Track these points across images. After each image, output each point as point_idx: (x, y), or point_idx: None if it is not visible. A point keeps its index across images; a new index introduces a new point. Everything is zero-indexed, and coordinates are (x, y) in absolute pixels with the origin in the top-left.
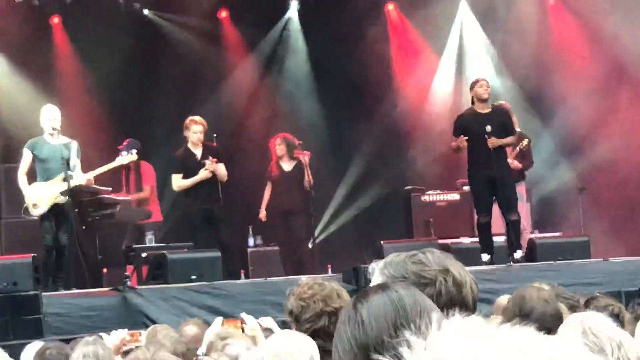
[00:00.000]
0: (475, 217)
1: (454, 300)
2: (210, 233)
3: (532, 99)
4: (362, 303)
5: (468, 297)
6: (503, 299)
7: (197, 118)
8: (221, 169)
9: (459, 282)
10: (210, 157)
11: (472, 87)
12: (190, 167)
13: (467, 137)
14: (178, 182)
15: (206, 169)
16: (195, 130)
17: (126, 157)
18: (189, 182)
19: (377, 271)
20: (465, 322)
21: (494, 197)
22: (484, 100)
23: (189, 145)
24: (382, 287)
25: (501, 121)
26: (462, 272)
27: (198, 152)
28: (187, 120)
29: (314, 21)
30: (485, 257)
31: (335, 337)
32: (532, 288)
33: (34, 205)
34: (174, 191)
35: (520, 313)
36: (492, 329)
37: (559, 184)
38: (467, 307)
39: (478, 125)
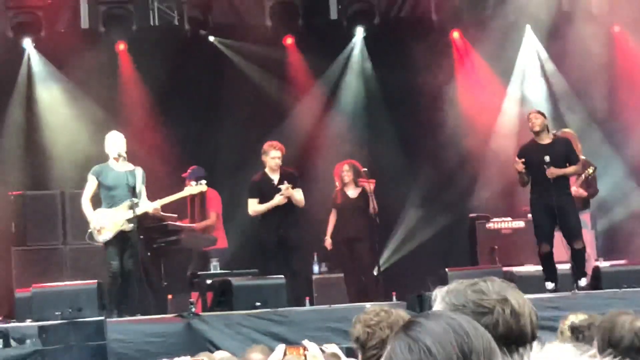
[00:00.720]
0: (537, 246)
1: (512, 330)
2: (282, 259)
3: (601, 126)
4: (419, 332)
5: (527, 327)
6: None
7: (275, 143)
8: (298, 195)
9: (517, 312)
10: (286, 183)
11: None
12: (266, 191)
13: (524, 163)
14: (254, 206)
15: (281, 195)
16: (273, 156)
17: (195, 188)
18: (264, 207)
19: (439, 298)
20: (559, 349)
21: (555, 226)
22: (538, 132)
23: (267, 169)
24: (435, 315)
25: (562, 151)
26: (522, 302)
27: (275, 177)
28: (266, 146)
29: (379, 48)
30: (549, 285)
31: None
32: (626, 316)
33: (99, 231)
34: (241, 217)
35: (608, 341)
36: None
37: (627, 211)
38: (526, 337)
39: (538, 156)
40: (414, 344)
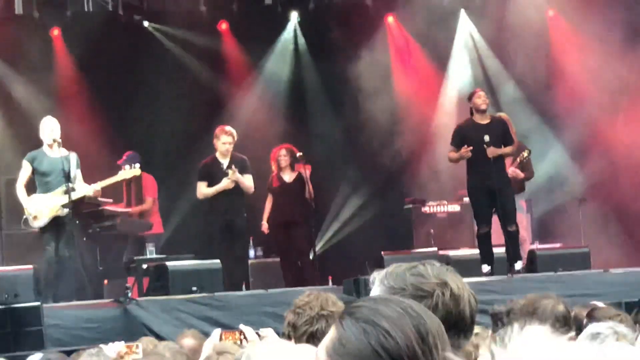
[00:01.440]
0: (476, 228)
1: (451, 314)
2: (226, 244)
3: (537, 110)
4: (372, 315)
5: (465, 311)
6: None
7: (228, 128)
8: (247, 181)
9: (456, 296)
10: (233, 167)
11: (470, 97)
12: (215, 175)
13: (463, 142)
14: (202, 190)
15: (228, 179)
16: (224, 141)
17: (129, 172)
18: (211, 190)
19: (377, 281)
20: (540, 332)
21: (494, 208)
22: (482, 111)
23: (217, 154)
24: (382, 299)
25: (500, 132)
26: (461, 285)
27: (225, 161)
28: (217, 130)
29: (313, 33)
30: (485, 268)
31: (342, 352)
32: (548, 300)
33: (34, 217)
34: (177, 203)
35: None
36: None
37: (562, 195)
38: (465, 320)
39: (477, 136)
40: (369, 328)
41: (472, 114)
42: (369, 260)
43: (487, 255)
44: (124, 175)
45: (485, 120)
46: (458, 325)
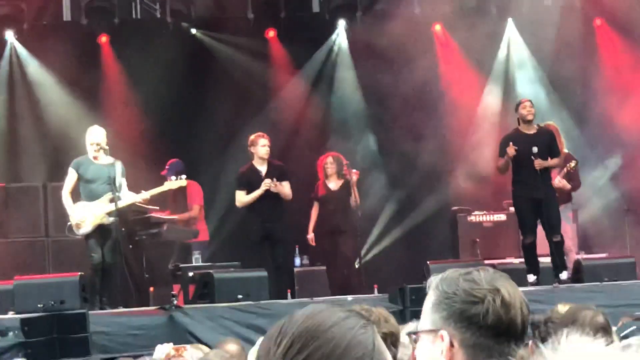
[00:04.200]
0: (521, 237)
1: (501, 321)
2: (266, 252)
3: (580, 120)
4: None
5: (516, 318)
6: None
7: (261, 133)
8: (285, 188)
9: (507, 303)
10: (274, 180)
11: (516, 108)
12: (254, 183)
13: (516, 148)
14: (241, 198)
15: (267, 186)
16: (263, 144)
17: (175, 182)
18: (250, 197)
19: (432, 285)
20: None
21: (539, 218)
22: (528, 122)
23: (254, 161)
24: None
25: (546, 142)
26: (513, 293)
27: (263, 168)
28: (253, 136)
29: (361, 40)
30: (531, 277)
31: None
32: (587, 311)
33: (77, 224)
34: (222, 210)
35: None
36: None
37: (605, 205)
38: (516, 328)
39: (523, 147)
40: None
41: (519, 123)
42: (423, 265)
43: (532, 265)
44: (170, 186)
45: (532, 131)
46: (509, 332)
